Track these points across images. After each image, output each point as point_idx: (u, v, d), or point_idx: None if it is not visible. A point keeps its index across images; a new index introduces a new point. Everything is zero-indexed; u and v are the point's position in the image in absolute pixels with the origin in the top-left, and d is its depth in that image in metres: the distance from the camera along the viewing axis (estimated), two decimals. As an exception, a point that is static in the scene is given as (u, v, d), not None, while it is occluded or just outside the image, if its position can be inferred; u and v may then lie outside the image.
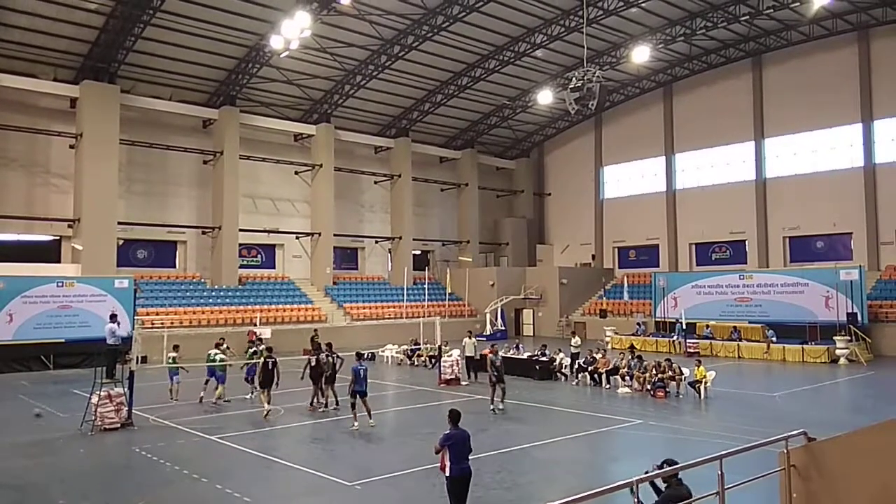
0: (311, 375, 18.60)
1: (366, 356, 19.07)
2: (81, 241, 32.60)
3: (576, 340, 26.38)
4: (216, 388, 19.31)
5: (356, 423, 15.67)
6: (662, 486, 6.87)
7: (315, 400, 18.59)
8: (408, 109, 44.75)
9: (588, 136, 50.82)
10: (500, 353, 26.56)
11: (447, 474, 8.89)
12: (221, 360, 19.69)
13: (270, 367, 17.87)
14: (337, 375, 18.42)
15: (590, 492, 4.99)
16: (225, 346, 20.94)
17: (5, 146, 32.61)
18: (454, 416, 9.31)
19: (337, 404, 18.37)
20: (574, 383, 23.27)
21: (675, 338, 34.10)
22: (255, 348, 20.05)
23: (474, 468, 12.24)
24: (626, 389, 21.52)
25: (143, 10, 29.93)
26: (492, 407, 18.02)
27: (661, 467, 6.66)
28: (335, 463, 13.13)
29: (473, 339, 25.65)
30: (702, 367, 20.55)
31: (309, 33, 30.75)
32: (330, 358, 18.48)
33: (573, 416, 17.44)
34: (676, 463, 6.60)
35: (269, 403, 17.58)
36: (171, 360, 19.44)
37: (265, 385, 17.81)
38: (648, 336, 35.96)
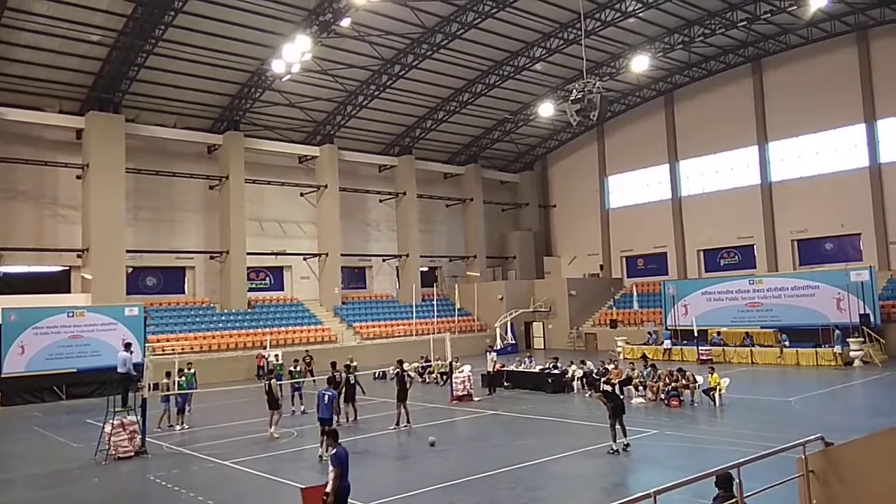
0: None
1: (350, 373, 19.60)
2: (91, 270, 32.78)
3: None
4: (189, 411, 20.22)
5: (321, 451, 15.04)
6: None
7: (401, 419, 18.63)
8: (410, 127, 44.98)
9: (591, 147, 50.89)
10: (519, 367, 26.74)
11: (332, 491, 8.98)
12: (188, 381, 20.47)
13: (269, 389, 18.00)
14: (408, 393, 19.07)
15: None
16: (192, 370, 21.25)
17: (13, 179, 32.91)
18: (335, 435, 9.66)
19: (408, 421, 18.46)
20: (587, 395, 23.11)
21: (659, 344, 35.28)
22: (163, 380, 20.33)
23: (489, 484, 12.33)
24: (640, 399, 21.39)
25: (146, 40, 30.28)
26: (615, 447, 14.28)
27: (719, 485, 6.65)
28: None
29: (493, 354, 25.90)
30: (715, 375, 20.42)
31: (310, 56, 31.05)
32: (404, 374, 19.06)
33: (588, 428, 17.30)
34: (732, 479, 6.54)
35: (273, 426, 17.70)
36: (166, 387, 19.71)
37: (273, 407, 18.02)
38: (659, 345, 35.75)
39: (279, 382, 18.89)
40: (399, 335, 40.74)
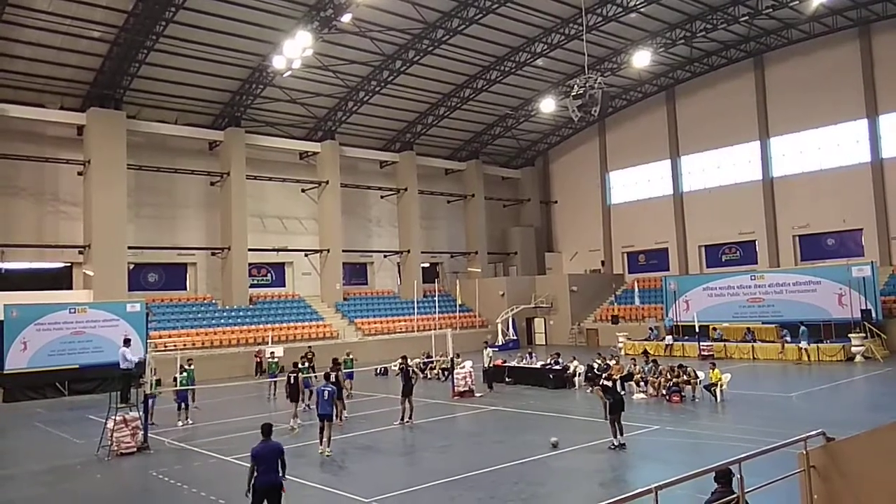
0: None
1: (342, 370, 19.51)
2: (92, 266, 32.81)
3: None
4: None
5: (321, 448, 15.03)
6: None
7: (406, 414, 18.63)
8: (411, 123, 44.93)
9: (592, 143, 50.83)
10: (520, 363, 26.71)
11: (254, 485, 9.23)
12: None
13: (293, 381, 18.04)
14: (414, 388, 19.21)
15: (611, 500, 4.95)
16: (192, 366, 21.56)
17: (15, 175, 32.91)
18: (265, 430, 9.76)
19: (410, 417, 18.52)
20: (588, 391, 23.10)
21: (660, 339, 35.62)
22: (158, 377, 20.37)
23: (491, 480, 12.33)
24: (642, 395, 21.40)
25: (147, 36, 30.27)
26: (616, 443, 14.36)
27: (717, 480, 6.70)
28: (351, 480, 13.10)
29: (490, 350, 25.90)
30: (717, 370, 20.43)
31: (311, 52, 30.98)
32: (409, 370, 19.19)
33: (589, 424, 17.32)
34: (731, 474, 6.60)
35: (296, 417, 17.74)
36: (155, 384, 19.75)
37: (293, 399, 18.14)
38: (660, 341, 35.74)
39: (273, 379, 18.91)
40: (400, 331, 40.77)
